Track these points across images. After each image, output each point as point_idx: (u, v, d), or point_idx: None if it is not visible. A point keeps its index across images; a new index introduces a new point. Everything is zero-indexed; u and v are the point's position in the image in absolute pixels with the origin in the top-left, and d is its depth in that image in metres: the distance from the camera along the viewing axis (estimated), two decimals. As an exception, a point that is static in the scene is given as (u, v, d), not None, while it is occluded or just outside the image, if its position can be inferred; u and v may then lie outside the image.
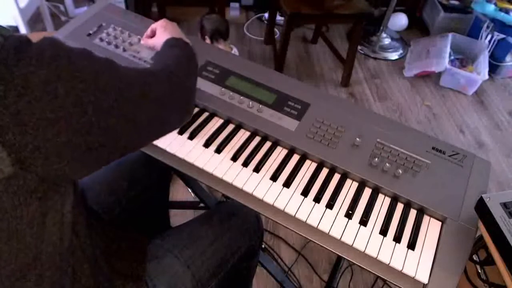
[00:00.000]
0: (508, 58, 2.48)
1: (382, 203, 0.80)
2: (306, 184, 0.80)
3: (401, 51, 2.67)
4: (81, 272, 0.59)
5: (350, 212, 0.77)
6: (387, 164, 0.81)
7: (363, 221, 0.76)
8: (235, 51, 1.91)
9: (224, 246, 0.84)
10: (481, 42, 2.50)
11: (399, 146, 0.86)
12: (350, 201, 0.79)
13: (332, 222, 0.75)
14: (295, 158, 0.85)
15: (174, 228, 0.87)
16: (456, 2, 2.75)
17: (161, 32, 0.90)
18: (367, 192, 0.81)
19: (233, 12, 2.84)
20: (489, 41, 2.48)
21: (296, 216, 0.75)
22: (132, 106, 0.53)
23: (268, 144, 0.87)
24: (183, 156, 0.82)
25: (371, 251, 0.71)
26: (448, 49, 2.39)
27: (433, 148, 0.86)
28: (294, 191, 0.79)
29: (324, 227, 0.74)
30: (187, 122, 0.84)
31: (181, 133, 0.87)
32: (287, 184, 0.80)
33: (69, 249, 0.54)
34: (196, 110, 0.92)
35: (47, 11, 2.23)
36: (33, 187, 0.43)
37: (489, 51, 2.46)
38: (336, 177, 0.83)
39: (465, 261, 0.71)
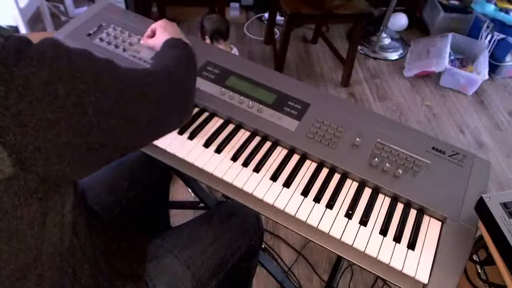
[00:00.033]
0: (508, 58, 2.48)
1: (382, 203, 0.80)
2: (306, 184, 0.80)
3: (401, 51, 2.67)
4: (81, 272, 0.59)
5: (350, 212, 0.77)
6: (387, 164, 0.81)
7: (363, 221, 0.76)
8: (235, 51, 1.91)
9: (224, 246, 0.84)
10: (481, 42, 2.50)
11: (399, 146, 0.86)
12: (350, 201, 0.79)
13: (332, 222, 0.75)
14: (295, 158, 0.85)
15: (174, 228, 0.87)
16: (456, 2, 2.75)
17: (161, 32, 0.90)
18: (367, 192, 0.81)
19: (233, 12, 2.84)
20: (489, 41, 2.48)
21: (296, 216, 0.75)
22: (132, 107, 0.53)
23: (268, 144, 0.87)
24: (183, 156, 0.82)
25: (371, 251, 0.71)
26: (448, 49, 2.39)
27: (433, 148, 0.86)
28: (294, 191, 0.79)
29: (324, 227, 0.74)
30: (187, 122, 0.84)
31: (181, 133, 0.87)
32: (287, 184, 0.80)
33: (69, 249, 0.54)
34: (196, 110, 0.92)
35: (47, 11, 2.23)
36: (33, 188, 0.43)
37: (489, 51, 2.46)
38: (336, 177, 0.83)
39: (465, 261, 0.71)
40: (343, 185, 0.82)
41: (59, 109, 0.42)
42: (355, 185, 0.82)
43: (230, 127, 0.90)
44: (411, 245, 0.73)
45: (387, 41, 2.69)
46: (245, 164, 0.82)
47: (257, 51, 2.55)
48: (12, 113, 0.39)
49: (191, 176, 0.81)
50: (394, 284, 0.70)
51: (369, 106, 2.26)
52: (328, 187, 0.81)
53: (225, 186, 0.80)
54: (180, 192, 1.67)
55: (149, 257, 0.76)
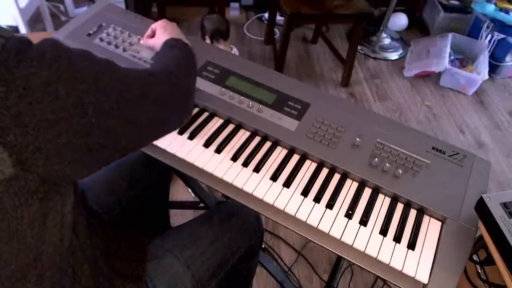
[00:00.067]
0: (508, 58, 2.48)
1: (382, 203, 0.80)
2: (306, 184, 0.80)
3: (401, 51, 2.67)
4: (81, 272, 0.59)
5: (350, 212, 0.77)
6: (387, 164, 0.81)
7: (363, 221, 0.76)
8: (235, 51, 1.91)
9: (224, 246, 0.84)
10: (481, 42, 2.50)
11: (399, 146, 0.86)
12: (350, 201, 0.79)
13: (332, 222, 0.75)
14: (295, 158, 0.85)
15: (174, 228, 0.87)
16: (456, 2, 2.75)
17: (161, 33, 0.90)
18: (367, 192, 0.81)
19: (233, 12, 2.84)
20: (489, 41, 2.48)
21: (296, 216, 0.75)
22: (132, 107, 0.53)
23: (268, 144, 0.87)
24: (183, 156, 0.82)
25: (371, 251, 0.71)
26: (448, 49, 2.39)
27: (433, 148, 0.86)
28: (294, 191, 0.79)
29: (324, 227, 0.74)
30: (187, 122, 0.84)
31: (181, 133, 0.87)
32: (287, 184, 0.80)
33: (69, 249, 0.54)
34: (196, 110, 0.92)
35: (47, 11, 2.23)
36: (34, 188, 0.43)
37: (489, 51, 2.46)
38: (336, 177, 0.83)
39: (465, 261, 0.71)
40: (343, 185, 0.82)
41: (59, 110, 0.42)
42: (355, 185, 0.82)
43: (230, 127, 0.90)
44: (411, 245, 0.73)
45: (387, 41, 2.69)
46: (245, 164, 0.82)
47: (257, 51, 2.56)
48: (12, 114, 0.39)
49: (191, 176, 0.81)
50: (394, 284, 0.70)
51: (369, 106, 2.26)
52: (328, 187, 0.81)
53: (225, 186, 0.80)
54: (180, 192, 1.67)
55: (149, 257, 0.76)
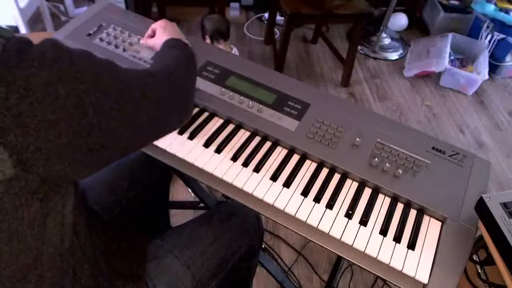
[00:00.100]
0: (508, 58, 2.48)
1: (382, 203, 0.80)
2: (306, 184, 0.80)
3: (401, 51, 2.67)
4: (81, 272, 0.59)
5: (350, 212, 0.77)
6: (387, 164, 0.81)
7: (363, 221, 0.76)
8: (235, 51, 1.91)
9: (224, 246, 0.84)
10: (481, 42, 2.50)
11: (399, 146, 0.86)
12: (350, 201, 0.79)
13: (332, 222, 0.75)
14: (295, 158, 0.85)
15: (174, 228, 0.87)
16: (456, 2, 2.75)
17: (161, 33, 0.90)
18: (367, 192, 0.81)
19: (233, 12, 2.84)
20: (489, 41, 2.48)
21: (296, 216, 0.75)
22: (132, 107, 0.53)
23: (268, 144, 0.87)
24: (183, 156, 0.82)
25: (371, 251, 0.71)
26: (448, 49, 2.39)
27: (433, 148, 0.87)
28: (294, 191, 0.79)
29: (324, 227, 0.74)
30: (187, 122, 0.84)
31: (181, 133, 0.87)
32: (287, 184, 0.80)
33: (69, 250, 0.55)
34: (196, 110, 0.92)
35: (47, 11, 2.23)
36: (34, 188, 0.43)
37: (489, 51, 2.46)
38: (336, 177, 0.83)
39: (465, 261, 0.71)
40: (343, 185, 0.82)
41: (59, 110, 0.42)
42: (355, 185, 0.82)
43: (230, 127, 0.90)
44: (411, 245, 0.73)
45: (387, 41, 2.69)
46: (245, 164, 0.82)
47: (257, 51, 2.56)
48: (13, 114, 0.39)
49: (191, 176, 0.81)
50: (394, 284, 0.70)
51: (369, 106, 2.26)
52: (328, 187, 0.81)
53: (225, 186, 0.80)
54: (180, 192, 1.67)
55: (149, 257, 0.76)
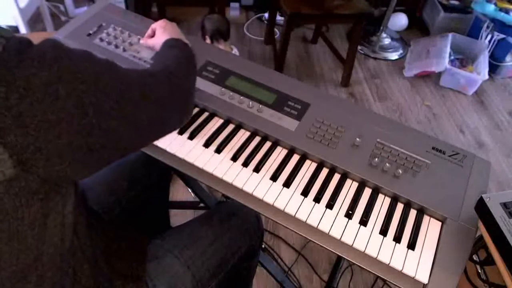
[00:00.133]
0: (508, 58, 2.48)
1: (382, 203, 0.80)
2: (306, 184, 0.80)
3: (401, 51, 2.67)
4: (82, 272, 0.59)
5: (350, 212, 0.77)
6: (387, 164, 0.81)
7: (363, 221, 0.76)
8: (235, 51, 1.91)
9: (224, 246, 0.84)
10: (481, 42, 2.50)
11: (399, 146, 0.86)
12: (350, 201, 0.79)
13: (332, 222, 0.75)
14: (295, 158, 0.85)
15: (174, 228, 0.87)
16: (456, 2, 2.75)
17: (161, 33, 0.90)
18: (367, 192, 0.81)
19: (233, 12, 2.84)
20: (489, 41, 2.48)
21: (296, 216, 0.75)
22: (132, 107, 0.53)
23: (268, 144, 0.87)
24: (183, 156, 0.82)
25: (371, 251, 0.71)
26: (448, 49, 2.39)
27: (433, 148, 0.87)
28: (294, 191, 0.79)
29: (324, 227, 0.74)
30: (186, 122, 0.84)
31: (181, 133, 0.87)
32: (287, 184, 0.80)
33: (69, 250, 0.55)
34: (196, 110, 0.92)
35: (47, 11, 2.23)
36: (34, 189, 0.43)
37: (489, 51, 2.46)
38: (336, 177, 0.83)
39: (465, 261, 0.71)
40: (343, 185, 0.82)
41: (59, 110, 0.42)
42: (355, 185, 0.82)
43: (230, 127, 0.90)
44: (411, 245, 0.73)
45: (387, 41, 2.69)
46: (245, 164, 0.82)
47: (257, 51, 2.56)
48: (13, 115, 0.39)
49: (191, 176, 0.81)
50: (394, 284, 0.70)
51: (369, 106, 2.26)
52: (328, 187, 0.81)
53: (225, 186, 0.80)
54: (180, 192, 1.67)
55: (149, 257, 0.76)
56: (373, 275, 0.73)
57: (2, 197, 0.41)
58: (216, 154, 0.84)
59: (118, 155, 0.54)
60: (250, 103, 0.91)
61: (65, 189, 0.49)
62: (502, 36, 2.43)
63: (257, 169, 0.82)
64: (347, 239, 0.73)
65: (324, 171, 0.84)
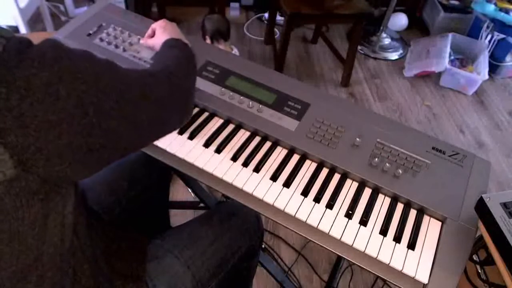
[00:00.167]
0: (508, 58, 2.48)
1: (382, 203, 0.80)
2: (306, 184, 0.80)
3: (401, 51, 2.67)
4: (82, 272, 0.59)
5: (350, 212, 0.77)
6: (387, 164, 0.81)
7: (363, 221, 0.76)
8: (235, 51, 1.91)
9: (224, 246, 0.84)
10: (481, 42, 2.50)
11: (399, 146, 0.86)
12: (350, 201, 0.79)
13: (332, 222, 0.75)
14: (295, 158, 0.85)
15: (174, 228, 0.87)
16: (456, 2, 2.75)
17: (161, 33, 0.90)
18: (367, 192, 0.81)
19: (233, 12, 2.84)
20: (489, 41, 2.48)
21: (296, 216, 0.75)
22: (132, 107, 0.53)
23: (268, 144, 0.87)
24: (183, 156, 0.82)
25: (371, 251, 0.71)
26: (448, 49, 2.39)
27: (433, 148, 0.87)
28: (294, 191, 0.79)
29: (324, 227, 0.74)
30: (186, 122, 0.84)
31: (181, 133, 0.87)
32: (287, 184, 0.80)
33: (70, 250, 0.55)
34: (196, 110, 0.92)
35: (47, 11, 2.23)
36: (35, 189, 0.43)
37: (489, 51, 2.46)
38: (336, 177, 0.83)
39: (465, 261, 0.71)
40: (343, 185, 0.82)
41: (60, 110, 0.42)
42: (355, 185, 0.82)
43: (230, 127, 0.90)
44: (411, 245, 0.73)
45: (387, 41, 2.69)
46: (245, 164, 0.82)
47: (257, 51, 2.56)
48: (14, 115, 0.39)
49: (191, 176, 0.81)
50: (394, 284, 0.70)
51: (369, 106, 2.26)
52: (328, 187, 0.81)
53: (225, 186, 0.80)
54: (180, 192, 1.67)
55: (149, 257, 0.76)
56: (373, 275, 0.73)
57: (2, 198, 0.41)
58: (216, 154, 0.84)
59: (118, 155, 0.54)
60: (250, 103, 0.91)
61: (65, 190, 0.49)
62: (502, 36, 2.43)
63: (257, 169, 0.82)
64: (347, 239, 0.73)
65: (324, 171, 0.84)
